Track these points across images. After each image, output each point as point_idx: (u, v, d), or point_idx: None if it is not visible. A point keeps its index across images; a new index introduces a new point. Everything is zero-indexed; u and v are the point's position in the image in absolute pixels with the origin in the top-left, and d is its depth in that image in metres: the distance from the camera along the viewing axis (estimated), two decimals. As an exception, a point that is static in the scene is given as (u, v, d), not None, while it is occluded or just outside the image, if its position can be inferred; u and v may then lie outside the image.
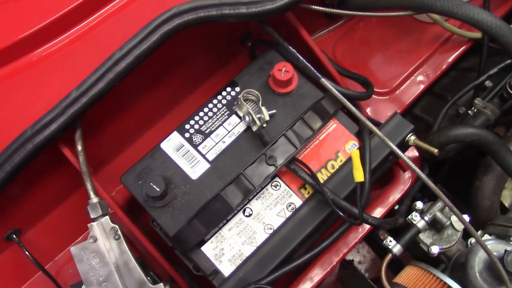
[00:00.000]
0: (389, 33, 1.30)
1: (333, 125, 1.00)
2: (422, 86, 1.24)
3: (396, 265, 1.13)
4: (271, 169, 0.91)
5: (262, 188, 0.96)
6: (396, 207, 1.08)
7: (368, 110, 1.21)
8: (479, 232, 1.03)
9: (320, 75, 0.93)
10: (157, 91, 1.11)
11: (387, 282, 0.97)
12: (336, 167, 0.97)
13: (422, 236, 1.02)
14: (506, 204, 1.14)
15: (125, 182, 0.92)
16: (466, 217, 0.94)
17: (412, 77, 1.25)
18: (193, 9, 0.87)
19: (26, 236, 1.06)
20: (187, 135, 0.95)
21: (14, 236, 0.99)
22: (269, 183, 0.96)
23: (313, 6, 1.02)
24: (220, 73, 1.22)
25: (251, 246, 0.93)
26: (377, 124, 1.04)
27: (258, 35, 1.12)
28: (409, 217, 1.01)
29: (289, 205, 0.95)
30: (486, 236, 1.00)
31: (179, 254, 0.95)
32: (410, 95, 1.24)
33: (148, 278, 0.86)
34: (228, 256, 0.92)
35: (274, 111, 0.94)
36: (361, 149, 0.95)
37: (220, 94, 0.98)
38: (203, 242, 0.92)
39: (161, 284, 0.85)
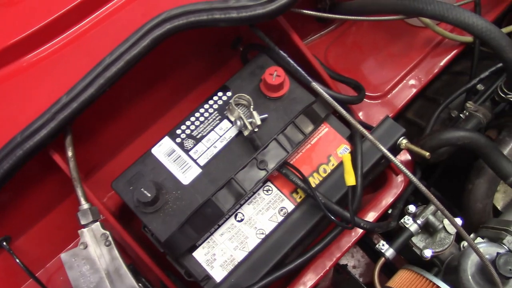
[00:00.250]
0: (381, 37, 1.30)
1: (324, 129, 1.00)
2: (414, 90, 1.24)
3: (390, 269, 1.12)
4: (262, 173, 0.91)
5: (254, 193, 0.96)
6: (390, 211, 1.08)
7: (360, 114, 1.21)
8: (472, 235, 1.03)
9: (310, 79, 0.92)
10: (148, 97, 1.11)
11: (380, 286, 0.97)
12: (328, 171, 0.97)
13: (415, 239, 1.02)
14: (498, 207, 1.14)
15: (116, 188, 0.91)
16: (458, 220, 0.94)
17: (404, 81, 1.25)
18: (184, 14, 0.87)
19: (17, 243, 1.05)
20: (178, 140, 0.95)
21: (4, 243, 0.98)
22: (260, 187, 0.96)
23: (304, 11, 1.02)
24: (212, 78, 1.21)
25: (243, 251, 0.92)
26: (369, 128, 1.04)
27: (250, 40, 1.12)
28: (402, 220, 1.01)
29: (281, 210, 0.95)
30: (479, 239, 1.00)
31: (170, 260, 0.94)
32: (402, 99, 1.24)
33: (140, 284, 0.85)
34: (220, 261, 0.92)
35: (266, 115, 0.93)
36: (353, 153, 0.95)
37: (212, 99, 0.98)
38: (194, 247, 0.92)
39: (153, 290, 0.84)
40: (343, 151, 0.98)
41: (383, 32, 1.30)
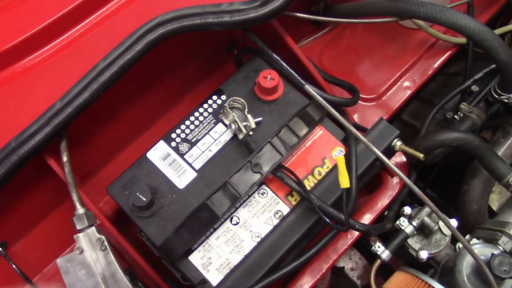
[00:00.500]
0: (375, 39, 1.30)
1: (319, 131, 1.00)
2: (408, 92, 1.24)
3: (387, 271, 1.12)
4: (257, 176, 0.91)
5: (249, 196, 0.96)
6: (386, 212, 1.08)
7: (355, 116, 1.21)
8: (467, 236, 1.03)
9: (304, 82, 0.93)
10: (143, 101, 1.11)
11: (376, 288, 0.97)
12: (323, 173, 0.97)
13: (410, 241, 1.02)
14: (494, 208, 1.14)
15: (111, 192, 0.92)
16: (454, 222, 0.94)
17: (399, 83, 1.25)
18: (177, 18, 0.87)
19: (13, 249, 1.05)
20: (173, 144, 0.95)
21: (0, 249, 0.98)
22: (256, 190, 0.96)
23: (298, 14, 1.02)
24: (206, 81, 1.22)
25: (239, 254, 0.92)
26: (363, 130, 1.04)
27: (244, 43, 1.12)
28: (397, 222, 1.01)
29: (277, 213, 0.95)
30: (474, 240, 1.00)
31: (166, 264, 0.94)
32: (397, 100, 1.24)
33: (136, 288, 0.85)
34: (215, 265, 0.92)
35: (260, 118, 0.94)
36: (347, 156, 0.95)
37: (206, 102, 0.98)
38: (190, 251, 0.92)
39: (149, 294, 0.84)
40: (338, 153, 0.99)
41: (377, 34, 1.30)
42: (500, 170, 0.98)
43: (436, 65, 1.26)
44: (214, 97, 0.98)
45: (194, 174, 0.92)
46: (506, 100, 1.05)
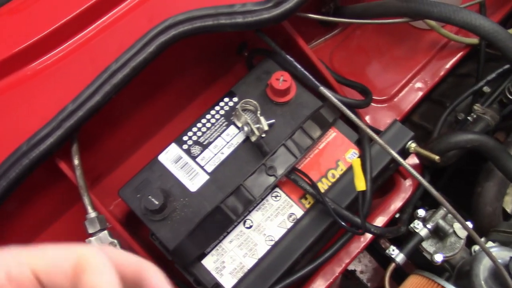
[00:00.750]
0: (385, 40, 1.29)
1: (332, 133, 0.99)
2: (420, 93, 1.23)
3: (399, 274, 1.11)
4: (271, 179, 0.90)
5: (262, 199, 0.95)
6: (397, 215, 1.07)
7: (366, 118, 1.20)
8: (482, 239, 1.02)
9: (318, 84, 0.92)
10: (154, 103, 1.10)
11: (391, 292, 0.96)
12: (337, 176, 0.96)
13: (425, 244, 1.01)
14: (508, 210, 1.13)
15: (123, 195, 0.91)
16: (469, 224, 0.93)
17: (410, 84, 1.24)
18: (189, 20, 0.87)
19: (23, 253, 1.04)
20: (185, 146, 0.94)
21: (10, 253, 0.98)
22: (269, 193, 0.95)
23: (309, 15, 1.02)
24: (217, 83, 1.21)
25: (253, 258, 0.91)
26: (376, 132, 1.03)
27: (255, 45, 1.11)
28: (412, 225, 1.00)
29: (290, 216, 0.94)
30: (490, 243, 0.99)
31: (179, 268, 0.93)
32: (409, 102, 1.23)
33: (148, 293, 0.84)
34: (229, 269, 0.91)
35: (273, 120, 0.93)
36: (362, 158, 0.94)
37: (218, 104, 0.97)
38: (203, 255, 0.91)
39: (162, 299, 0.83)
40: (352, 155, 0.97)
41: (388, 35, 1.29)
42: (515, 171, 0.97)
43: (448, 66, 1.25)
44: (226, 99, 0.97)
45: (207, 177, 0.91)
46: (520, 101, 1.04)
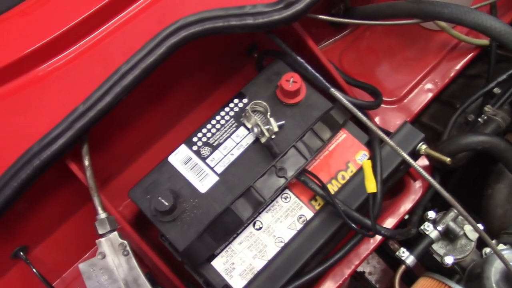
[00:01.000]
0: (395, 41, 1.29)
1: (342, 135, 0.99)
2: (430, 94, 1.23)
3: (408, 276, 1.11)
4: (282, 181, 0.90)
5: (272, 201, 0.94)
6: (407, 217, 1.06)
7: (376, 119, 1.20)
8: (493, 241, 1.01)
9: (329, 85, 0.92)
10: (164, 104, 1.10)
11: (402, 294, 0.95)
12: (347, 178, 0.96)
13: (435, 246, 1.00)
14: (518, 213, 1.12)
15: (133, 196, 0.91)
16: (480, 226, 0.92)
17: (420, 85, 1.23)
18: (200, 21, 0.87)
19: (34, 253, 1.04)
20: (195, 148, 0.94)
21: (21, 253, 0.98)
22: (279, 195, 0.95)
23: (319, 16, 1.01)
24: (227, 85, 1.21)
25: (262, 260, 0.91)
26: (386, 133, 1.03)
27: (264, 46, 1.11)
28: (422, 227, 1.00)
29: (300, 217, 0.94)
30: (501, 246, 0.98)
31: (189, 269, 0.93)
32: (419, 103, 1.22)
33: (158, 294, 0.84)
34: (239, 270, 0.90)
35: (283, 122, 0.92)
36: (372, 159, 0.94)
37: (228, 106, 0.97)
38: (213, 256, 0.91)
39: (171, 300, 0.83)
40: (362, 157, 0.97)
41: (398, 36, 1.29)
42: (527, 174, 0.96)
43: (458, 67, 1.24)
44: (236, 101, 0.97)
45: (216, 178, 0.91)
46: (531, 103, 1.04)
